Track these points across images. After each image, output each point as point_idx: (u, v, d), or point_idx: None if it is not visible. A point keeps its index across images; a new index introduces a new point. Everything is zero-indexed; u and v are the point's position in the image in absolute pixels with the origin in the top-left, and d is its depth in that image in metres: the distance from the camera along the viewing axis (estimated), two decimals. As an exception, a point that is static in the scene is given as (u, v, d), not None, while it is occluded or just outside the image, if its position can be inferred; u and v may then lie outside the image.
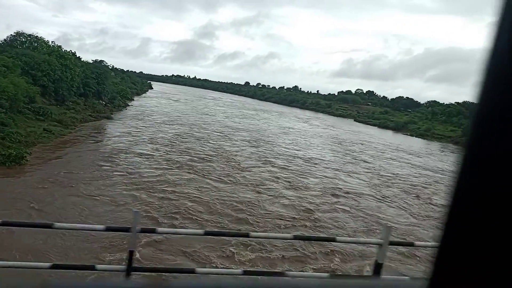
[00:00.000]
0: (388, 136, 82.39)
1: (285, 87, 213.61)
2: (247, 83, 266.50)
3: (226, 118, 77.54)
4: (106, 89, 62.95)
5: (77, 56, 56.88)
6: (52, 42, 56.66)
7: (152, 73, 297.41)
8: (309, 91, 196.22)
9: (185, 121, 62.90)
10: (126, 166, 29.99)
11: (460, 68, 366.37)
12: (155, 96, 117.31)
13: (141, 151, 35.89)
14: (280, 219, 23.11)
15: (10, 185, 22.19)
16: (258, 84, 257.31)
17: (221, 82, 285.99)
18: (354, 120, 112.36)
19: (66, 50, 54.29)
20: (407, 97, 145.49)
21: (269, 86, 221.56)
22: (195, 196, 24.59)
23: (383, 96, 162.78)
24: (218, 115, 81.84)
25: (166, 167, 31.53)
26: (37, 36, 57.28)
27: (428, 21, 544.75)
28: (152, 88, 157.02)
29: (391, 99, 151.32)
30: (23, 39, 56.87)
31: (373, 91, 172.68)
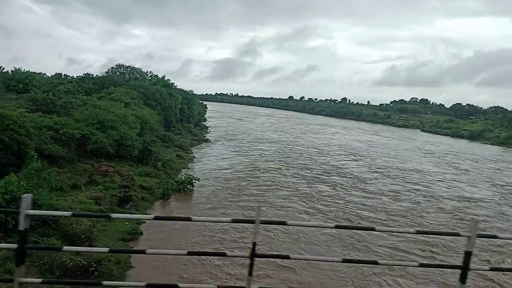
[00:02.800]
0: (467, 146, 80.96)
1: (331, 99, 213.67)
2: (290, 97, 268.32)
3: (302, 133, 79.53)
4: (194, 113, 66.65)
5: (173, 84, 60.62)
6: (150, 72, 61.20)
7: (193, 93, 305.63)
8: (358, 102, 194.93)
9: (269, 138, 65.52)
10: (272, 180, 32.81)
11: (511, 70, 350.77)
12: (217, 116, 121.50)
13: (267, 167, 38.70)
14: (442, 225, 24.31)
15: (201, 207, 24.98)
16: (302, 97, 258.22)
17: (265, 97, 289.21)
18: (421, 131, 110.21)
19: (169, 79, 58.44)
20: (468, 104, 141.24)
21: (316, 99, 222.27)
22: (356, 204, 26.68)
23: (440, 104, 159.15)
24: (290, 131, 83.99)
25: (303, 181, 34.06)
26: (134, 67, 62.16)
27: (475, 23, 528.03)
28: (207, 108, 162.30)
29: (451, 106, 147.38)
30: (123, 70, 61.90)
31: (427, 99, 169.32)
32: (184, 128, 59.75)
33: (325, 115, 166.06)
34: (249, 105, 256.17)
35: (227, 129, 78.74)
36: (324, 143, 64.76)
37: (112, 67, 61.75)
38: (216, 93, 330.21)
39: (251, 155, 46.47)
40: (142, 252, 3.73)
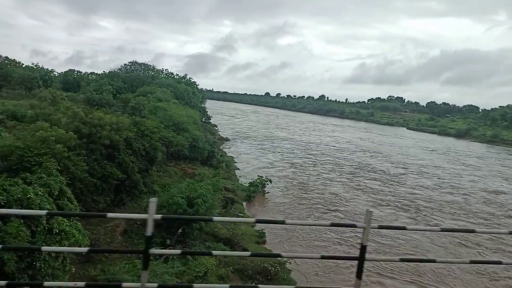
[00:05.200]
0: (458, 144, 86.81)
1: (309, 96, 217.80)
2: (267, 94, 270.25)
3: (303, 131, 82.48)
4: (206, 111, 67.37)
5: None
6: (165, 69, 61.18)
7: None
8: (336, 100, 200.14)
9: (278, 136, 68.24)
10: (319, 175, 34.86)
11: (473, 69, 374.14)
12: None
13: (301, 163, 41.91)
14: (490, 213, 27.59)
15: (286, 206, 26.77)
16: (278, 94, 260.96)
17: (240, 93, 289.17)
18: (407, 128, 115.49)
19: (191, 78, 58.81)
20: (443, 102, 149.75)
21: (295, 96, 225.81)
22: (409, 196, 29.66)
23: (415, 102, 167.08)
24: (290, 128, 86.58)
25: (345, 176, 37.23)
26: (148, 64, 61.91)
27: (440, 23, 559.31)
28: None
29: (426, 103, 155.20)
30: (135, 67, 61.41)
31: (402, 97, 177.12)
32: (202, 126, 60.31)
33: (307, 112, 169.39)
34: (226, 101, 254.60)
35: (230, 126, 79.82)
36: (332, 140, 67.78)
37: (125, 64, 61.27)
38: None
39: (277, 152, 48.65)
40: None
